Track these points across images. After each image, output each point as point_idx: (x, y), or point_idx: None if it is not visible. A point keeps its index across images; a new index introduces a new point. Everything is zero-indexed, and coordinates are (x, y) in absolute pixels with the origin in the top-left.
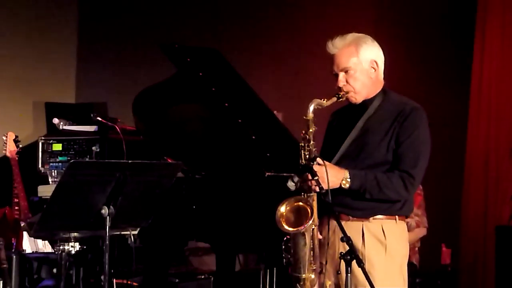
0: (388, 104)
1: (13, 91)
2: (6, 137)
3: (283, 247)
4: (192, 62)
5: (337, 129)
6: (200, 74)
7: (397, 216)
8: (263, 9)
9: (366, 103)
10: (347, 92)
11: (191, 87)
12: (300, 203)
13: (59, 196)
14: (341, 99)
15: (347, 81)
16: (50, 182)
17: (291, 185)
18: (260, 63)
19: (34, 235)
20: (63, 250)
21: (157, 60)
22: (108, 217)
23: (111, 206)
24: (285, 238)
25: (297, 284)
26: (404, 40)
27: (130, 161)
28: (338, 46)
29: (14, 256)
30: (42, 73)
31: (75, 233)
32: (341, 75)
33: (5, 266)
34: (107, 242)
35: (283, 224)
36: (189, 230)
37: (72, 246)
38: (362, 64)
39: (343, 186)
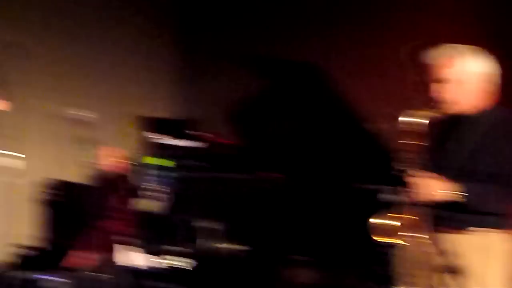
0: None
1: (113, 106)
2: (106, 152)
3: (385, 260)
4: (288, 75)
5: (439, 140)
6: (295, 86)
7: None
8: (365, 20)
9: (472, 116)
10: (446, 103)
11: (287, 100)
12: (402, 215)
13: (163, 210)
14: (439, 110)
15: (448, 91)
16: (149, 196)
17: (389, 197)
18: (363, 71)
19: (139, 248)
20: (164, 264)
21: (255, 74)
22: (210, 231)
23: (214, 220)
24: (386, 250)
25: None
26: None
27: (233, 175)
28: (442, 55)
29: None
30: (141, 88)
31: (179, 248)
32: (442, 85)
33: (113, 279)
34: (208, 256)
35: (384, 236)
36: (289, 243)
37: (174, 260)
38: (465, 75)
39: (453, 199)
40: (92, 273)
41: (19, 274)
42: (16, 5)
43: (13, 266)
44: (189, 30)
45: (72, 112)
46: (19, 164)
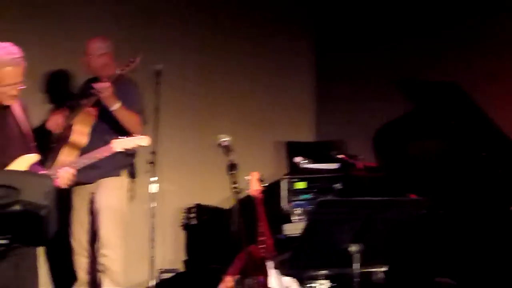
0: None
1: (254, 131)
2: (250, 177)
3: None
4: (430, 97)
5: None
6: (439, 108)
7: None
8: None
9: None
10: None
11: (430, 121)
12: None
13: (308, 234)
14: None
15: None
16: (294, 220)
17: None
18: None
19: (285, 272)
20: None
21: (395, 96)
22: (356, 255)
23: (358, 244)
24: None
25: None
26: None
27: (377, 199)
28: None
29: None
30: (281, 112)
31: (324, 271)
32: None
33: None
34: (355, 279)
35: None
36: (435, 267)
37: (321, 284)
38: None
39: None
40: None
41: None
42: (157, 34)
43: None
44: (328, 53)
45: (215, 137)
46: (165, 190)
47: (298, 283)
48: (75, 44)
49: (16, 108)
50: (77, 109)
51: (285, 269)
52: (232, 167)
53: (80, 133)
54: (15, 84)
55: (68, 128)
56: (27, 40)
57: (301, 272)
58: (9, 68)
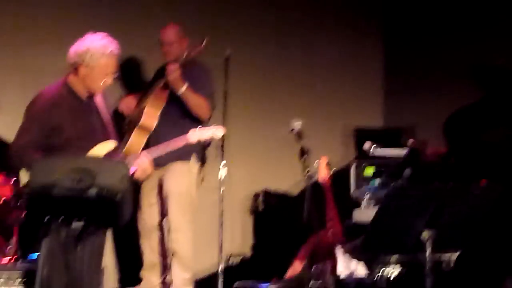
0: None
1: (322, 117)
2: (319, 162)
3: None
4: (502, 83)
5: None
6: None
7: None
8: None
9: None
10: None
11: (502, 108)
12: None
13: (380, 220)
14: None
15: None
16: (363, 206)
17: None
18: None
19: (355, 258)
20: (382, 274)
21: (465, 82)
22: (428, 241)
23: (430, 229)
24: None
25: None
26: None
27: (449, 185)
28: None
29: (330, 281)
30: (350, 98)
31: (395, 256)
32: None
33: None
34: (428, 266)
35: None
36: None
37: (392, 269)
38: None
39: None
40: (315, 283)
41: (239, 284)
42: (227, 19)
43: (229, 275)
44: (397, 38)
45: (286, 123)
46: (233, 175)
47: (368, 268)
48: (147, 31)
49: (98, 97)
50: (148, 92)
51: (355, 255)
52: (303, 152)
53: (150, 115)
54: (108, 74)
55: (139, 111)
56: (100, 28)
57: (373, 257)
58: (103, 59)
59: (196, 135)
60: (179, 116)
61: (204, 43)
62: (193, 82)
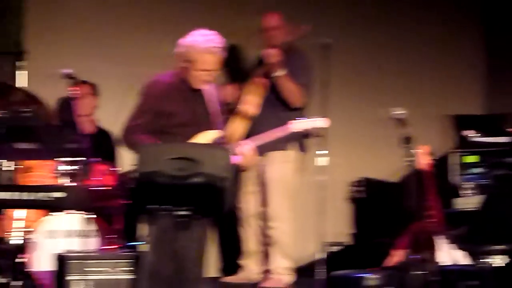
0: None
1: (422, 104)
2: (420, 150)
3: None
4: None
5: None
6: None
7: None
8: None
9: None
10: None
11: None
12: None
13: (485, 209)
14: None
15: None
16: (464, 195)
17: None
18: None
19: (458, 247)
20: (486, 263)
21: None
22: None
23: None
24: None
25: None
26: None
27: None
28: None
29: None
30: (450, 85)
31: (500, 246)
32: None
33: (434, 278)
34: None
35: None
36: None
37: (496, 259)
38: None
39: None
40: (416, 272)
41: (338, 273)
42: (327, 7)
43: (326, 264)
44: (498, 24)
45: (385, 110)
46: (333, 163)
47: (471, 257)
48: (247, 19)
49: (208, 91)
50: (249, 80)
51: (458, 244)
52: (407, 140)
53: (251, 103)
54: (210, 70)
55: (242, 99)
56: (198, 18)
57: (477, 246)
58: (207, 55)
59: (299, 125)
60: (278, 103)
61: (306, 27)
62: (291, 69)
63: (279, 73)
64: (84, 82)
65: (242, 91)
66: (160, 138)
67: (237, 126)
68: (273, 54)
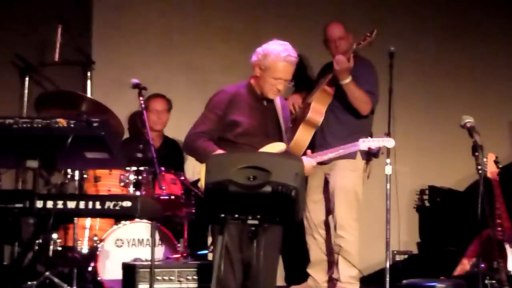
0: None
1: (489, 111)
2: (487, 158)
3: None
4: None
5: None
6: None
7: None
8: None
9: None
10: None
11: None
12: None
13: None
14: None
15: None
16: None
17: None
18: None
19: None
20: None
21: None
22: None
23: None
24: None
25: None
26: None
27: None
28: None
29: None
30: None
31: None
32: None
33: (507, 287)
34: None
35: None
36: None
37: None
38: None
39: None
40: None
41: (408, 281)
42: (390, 15)
43: (395, 272)
44: None
45: (451, 118)
46: (399, 171)
47: None
48: (307, 29)
49: (277, 104)
50: (316, 87)
51: None
52: (476, 148)
53: (317, 111)
54: (283, 80)
55: (306, 107)
56: (260, 27)
57: None
58: (282, 63)
59: (366, 144)
60: (343, 111)
61: (374, 33)
62: (357, 77)
63: (347, 80)
64: (161, 97)
65: (308, 99)
66: (223, 147)
67: (303, 134)
68: (342, 61)
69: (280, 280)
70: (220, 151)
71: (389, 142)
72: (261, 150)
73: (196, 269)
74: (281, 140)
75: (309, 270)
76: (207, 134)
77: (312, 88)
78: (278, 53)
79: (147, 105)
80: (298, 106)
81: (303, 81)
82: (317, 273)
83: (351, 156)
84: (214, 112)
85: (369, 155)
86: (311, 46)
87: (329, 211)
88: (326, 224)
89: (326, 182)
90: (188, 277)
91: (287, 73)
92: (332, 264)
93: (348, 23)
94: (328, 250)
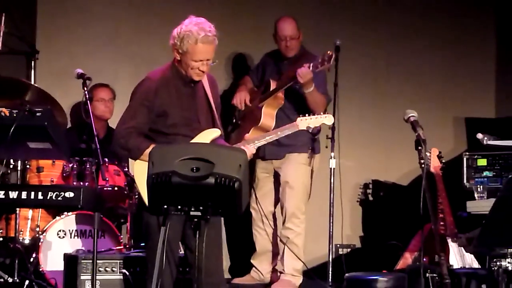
0: None
1: (433, 107)
2: (430, 153)
3: None
4: None
5: None
6: None
7: None
8: None
9: None
10: None
11: None
12: None
13: (497, 212)
14: None
15: None
16: (476, 198)
17: None
18: None
19: (472, 250)
20: (500, 266)
21: None
22: None
23: None
24: None
25: None
26: None
27: None
28: None
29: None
30: (461, 88)
31: None
32: None
33: (447, 281)
34: None
35: None
36: None
37: (509, 263)
38: None
39: None
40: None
41: (351, 274)
42: (335, 10)
43: (337, 266)
44: (509, 26)
45: (395, 113)
46: (343, 165)
47: (481, 261)
48: (258, 22)
49: (205, 83)
50: (266, 89)
51: (470, 248)
52: (419, 142)
53: (270, 116)
54: (204, 60)
55: (256, 110)
56: (211, 17)
57: (489, 250)
58: (200, 45)
59: (305, 122)
60: (295, 113)
61: (332, 59)
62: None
63: (311, 89)
64: (105, 86)
65: (258, 101)
66: (155, 139)
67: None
68: (305, 74)
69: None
70: (153, 145)
71: (328, 119)
72: (196, 138)
73: (139, 261)
74: (213, 123)
75: (253, 261)
76: (138, 129)
77: (263, 88)
78: (194, 35)
79: (92, 95)
80: (245, 103)
81: (243, 74)
82: (261, 264)
83: (302, 150)
84: (142, 104)
85: (316, 148)
86: (259, 40)
87: (277, 202)
88: (274, 215)
89: (276, 175)
90: (130, 268)
91: (207, 53)
92: (276, 255)
93: (295, 13)
94: (274, 242)
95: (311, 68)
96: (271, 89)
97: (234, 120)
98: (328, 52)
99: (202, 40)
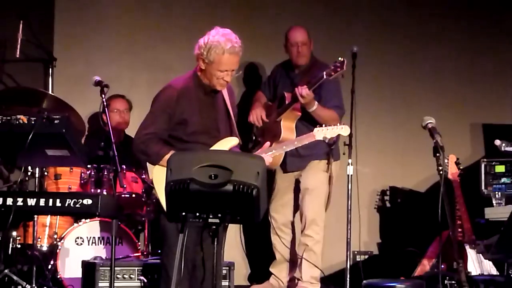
0: None
1: (450, 113)
2: (448, 159)
3: None
4: None
5: None
6: None
7: None
8: None
9: None
10: None
11: None
12: None
13: None
14: None
15: None
16: (494, 204)
17: None
18: None
19: (490, 257)
20: None
21: None
22: None
23: None
24: None
25: None
26: None
27: None
28: None
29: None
30: (479, 94)
31: None
32: None
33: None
34: None
35: None
36: None
37: None
38: None
39: None
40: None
41: (369, 281)
42: (353, 15)
43: (355, 273)
44: None
45: (413, 120)
46: (361, 172)
47: (499, 268)
48: (272, 31)
49: (225, 93)
50: (285, 106)
51: (489, 254)
52: (437, 149)
53: (289, 129)
54: (229, 71)
55: (274, 124)
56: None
57: (507, 257)
58: (227, 55)
59: (322, 133)
60: (312, 123)
61: (344, 65)
62: (323, 95)
63: (314, 107)
64: (121, 97)
65: (276, 115)
66: (174, 145)
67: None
68: (305, 95)
69: (243, 279)
70: (172, 152)
71: (344, 130)
72: (215, 146)
73: (156, 268)
74: (231, 132)
75: (272, 269)
76: (157, 135)
77: (272, 94)
78: (221, 45)
79: (109, 105)
80: (262, 119)
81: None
82: (280, 272)
83: (323, 157)
84: (163, 111)
85: (336, 155)
86: (273, 49)
87: (296, 211)
88: (293, 224)
89: (297, 183)
90: (148, 275)
91: (232, 64)
92: (295, 263)
93: (310, 21)
94: (292, 250)
95: (324, 76)
96: (286, 103)
97: (253, 138)
98: (340, 58)
99: (229, 51)
